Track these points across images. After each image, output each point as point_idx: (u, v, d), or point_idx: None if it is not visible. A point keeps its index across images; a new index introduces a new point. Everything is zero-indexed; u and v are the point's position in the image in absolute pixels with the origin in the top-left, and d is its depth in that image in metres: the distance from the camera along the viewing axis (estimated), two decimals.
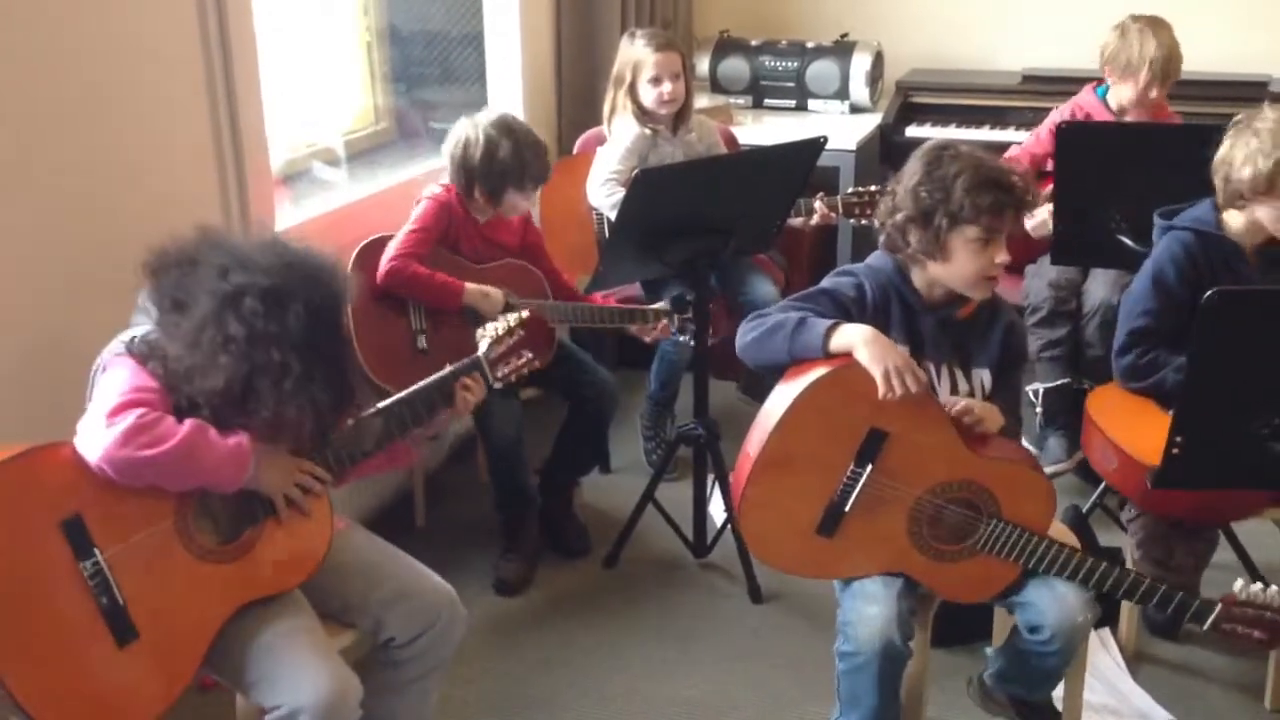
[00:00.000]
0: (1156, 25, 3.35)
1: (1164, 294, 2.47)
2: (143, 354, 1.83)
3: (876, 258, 2.24)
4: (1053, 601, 2.07)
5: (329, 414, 1.87)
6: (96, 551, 1.75)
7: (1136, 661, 2.70)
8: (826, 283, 2.23)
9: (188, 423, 1.78)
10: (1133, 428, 2.34)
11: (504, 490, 3.08)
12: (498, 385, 2.13)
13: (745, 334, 2.15)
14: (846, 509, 2.10)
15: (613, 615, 2.93)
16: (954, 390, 2.20)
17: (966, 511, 2.11)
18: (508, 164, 2.90)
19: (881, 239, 2.23)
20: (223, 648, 1.86)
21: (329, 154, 3.51)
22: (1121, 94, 3.40)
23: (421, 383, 2.06)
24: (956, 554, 2.13)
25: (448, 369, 2.10)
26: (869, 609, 2.06)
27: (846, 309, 2.17)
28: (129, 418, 1.73)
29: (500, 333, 2.14)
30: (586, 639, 2.84)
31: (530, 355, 2.16)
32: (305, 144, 3.42)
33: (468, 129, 2.96)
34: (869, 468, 2.08)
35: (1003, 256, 2.12)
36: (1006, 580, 2.13)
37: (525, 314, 2.18)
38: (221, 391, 1.79)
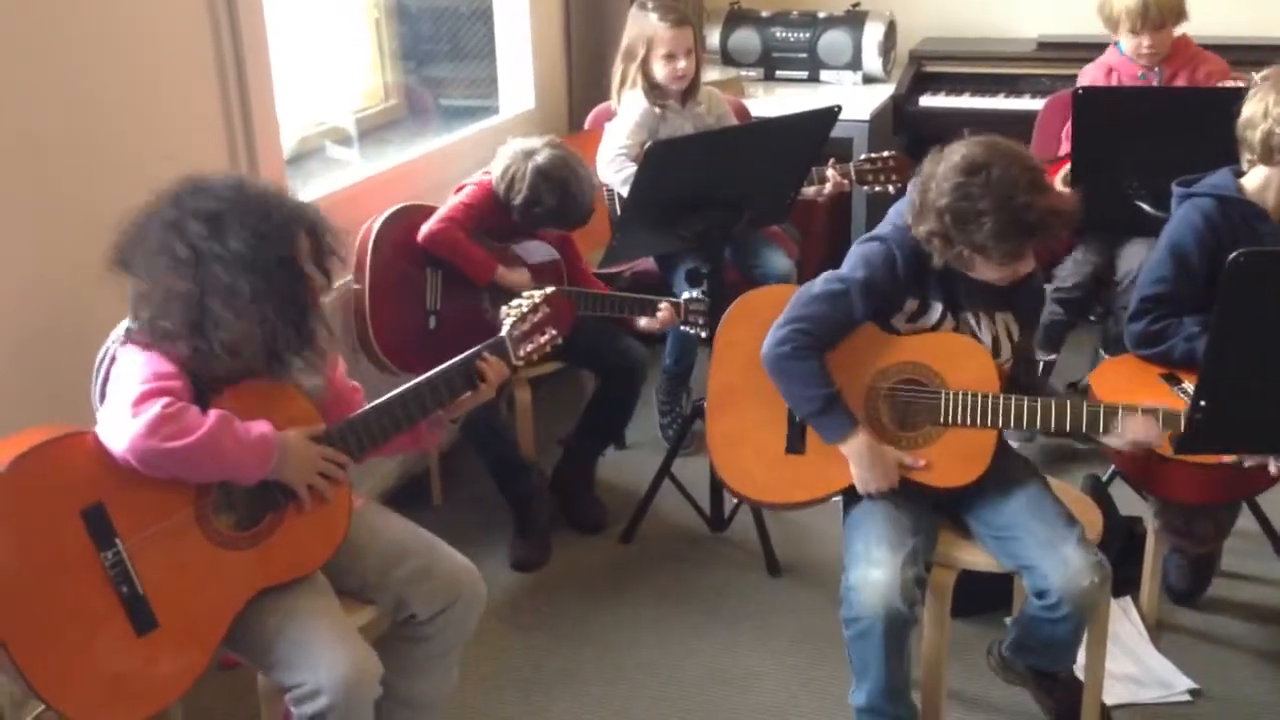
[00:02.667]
0: None
1: (1180, 262, 2.45)
2: (140, 334, 1.83)
3: (900, 212, 2.21)
4: (1058, 564, 2.05)
5: (285, 342, 1.85)
6: (117, 541, 1.75)
7: (1158, 630, 2.69)
8: (861, 269, 2.18)
9: (213, 414, 1.77)
10: (1137, 400, 2.32)
11: (494, 470, 3.07)
12: (520, 364, 2.11)
13: (778, 359, 2.17)
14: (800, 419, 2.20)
15: (631, 590, 2.93)
16: (995, 338, 2.21)
17: (917, 390, 2.16)
18: (547, 214, 2.92)
19: (909, 204, 2.19)
20: (243, 627, 1.86)
21: (340, 133, 3.50)
22: (1126, 47, 3.38)
23: (445, 364, 2.04)
24: (927, 438, 2.18)
25: (472, 350, 2.08)
26: (872, 574, 2.06)
27: (883, 294, 2.18)
28: (154, 407, 1.72)
29: (525, 310, 2.13)
30: (605, 614, 2.84)
31: (554, 332, 2.15)
32: (316, 123, 3.41)
33: (517, 164, 2.91)
34: None
35: (1027, 267, 2.13)
36: (988, 450, 2.15)
37: (550, 289, 2.17)
38: (180, 317, 1.79)
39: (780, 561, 2.97)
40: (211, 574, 1.83)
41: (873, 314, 2.18)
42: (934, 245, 2.12)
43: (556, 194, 2.88)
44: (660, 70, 3.33)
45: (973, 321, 2.21)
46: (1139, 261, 3.16)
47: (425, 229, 2.90)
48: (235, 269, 1.78)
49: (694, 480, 3.13)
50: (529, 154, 2.91)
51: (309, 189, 3.08)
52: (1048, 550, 2.08)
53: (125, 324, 1.87)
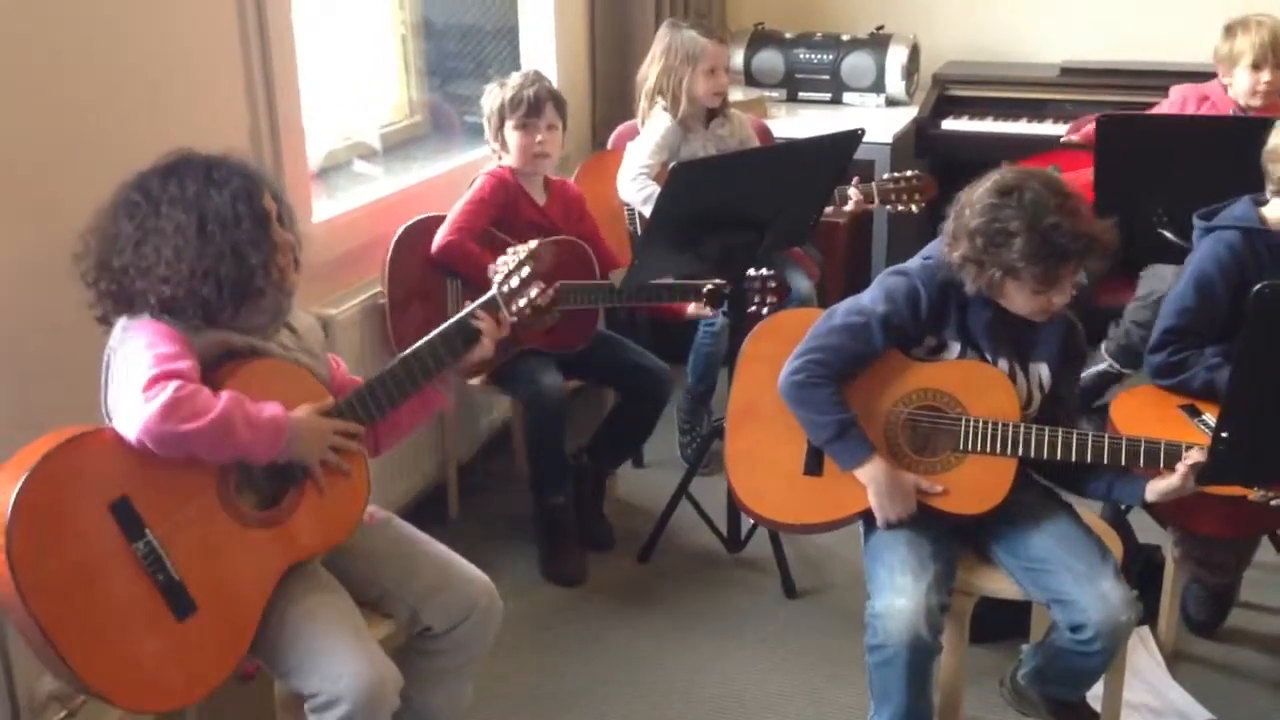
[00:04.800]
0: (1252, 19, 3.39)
1: (1204, 295, 2.45)
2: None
3: (933, 249, 2.22)
4: (1096, 599, 2.04)
5: (233, 287, 1.85)
6: (147, 531, 1.77)
7: (1176, 660, 2.68)
8: (882, 303, 2.18)
9: (225, 395, 1.79)
10: (1155, 431, 2.31)
11: (536, 459, 3.04)
12: (514, 319, 2.10)
13: (793, 387, 2.18)
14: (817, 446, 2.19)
15: (647, 609, 2.93)
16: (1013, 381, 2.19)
17: (937, 417, 2.16)
18: (506, 99, 3.00)
19: (943, 236, 2.19)
20: (265, 630, 1.87)
21: (366, 148, 3.52)
22: (1241, 85, 3.39)
23: (441, 326, 2.06)
24: (945, 464, 2.17)
25: (465, 309, 2.09)
26: (897, 601, 2.06)
27: (903, 330, 2.19)
28: (167, 390, 1.73)
29: (512, 265, 2.11)
30: (621, 633, 2.84)
31: (544, 286, 2.11)
32: (343, 138, 3.43)
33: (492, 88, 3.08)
34: None
35: (1061, 299, 2.11)
36: (1007, 480, 2.14)
37: (533, 244, 2.14)
38: (133, 262, 1.82)
39: (796, 584, 2.96)
40: (242, 554, 1.85)
41: (892, 346, 2.20)
42: (967, 271, 2.12)
43: (518, 77, 3.05)
44: (702, 85, 3.36)
45: (989, 359, 2.19)
46: (1160, 283, 3.16)
47: (436, 240, 2.93)
48: (180, 209, 1.83)
49: (712, 501, 3.13)
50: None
51: (335, 203, 3.11)
52: (1085, 585, 2.06)
53: (122, 321, 1.88)
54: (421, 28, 3.80)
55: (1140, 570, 2.72)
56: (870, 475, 2.16)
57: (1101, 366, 3.48)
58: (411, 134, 3.74)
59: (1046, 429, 2.11)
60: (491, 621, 2.09)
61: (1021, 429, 2.12)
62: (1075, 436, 2.10)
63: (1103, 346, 3.48)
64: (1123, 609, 2.05)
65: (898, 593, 2.07)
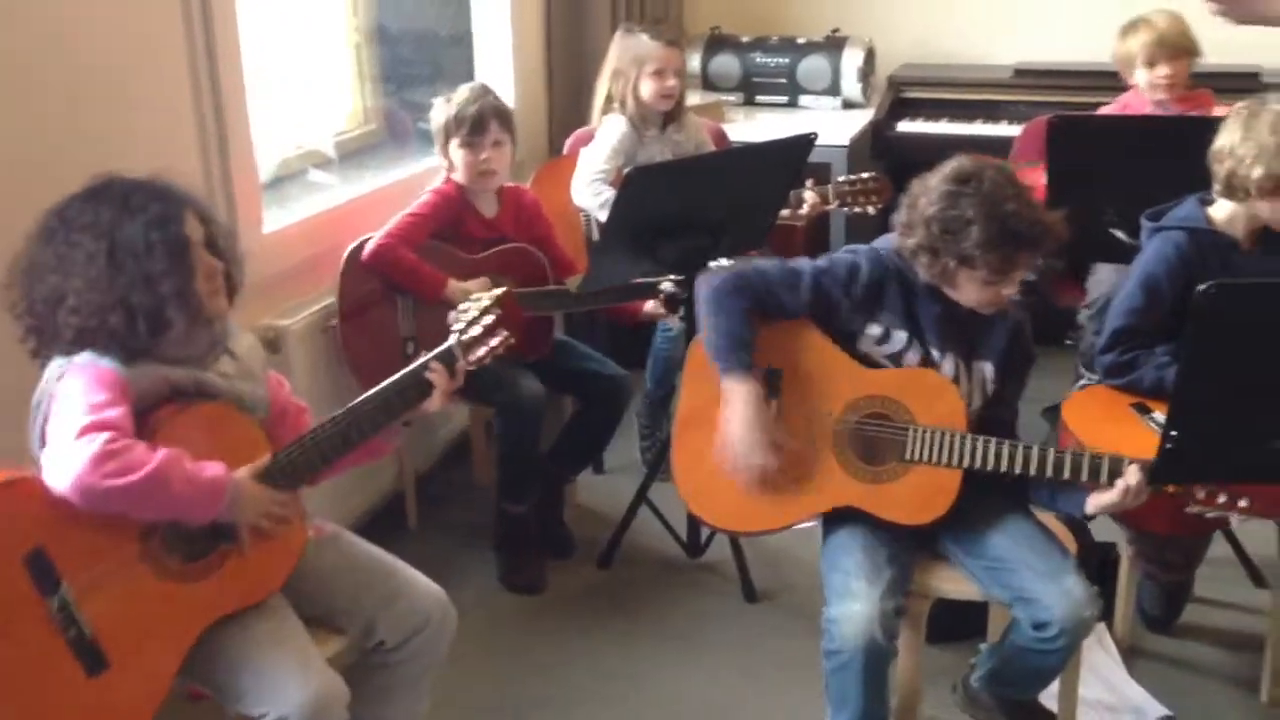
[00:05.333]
0: (1142, 19, 3.44)
1: (1152, 295, 2.47)
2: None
3: (887, 240, 2.23)
4: (1060, 596, 2.05)
5: (146, 317, 1.79)
6: (62, 585, 1.71)
7: (1131, 656, 2.70)
8: (824, 260, 2.24)
9: (161, 451, 1.73)
10: (1108, 435, 2.34)
11: (517, 471, 3.01)
12: (472, 368, 2.07)
13: (712, 291, 2.20)
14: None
15: (608, 616, 2.92)
16: (956, 379, 2.20)
17: (884, 425, 2.15)
18: (449, 115, 2.98)
19: (896, 226, 2.20)
20: (204, 658, 1.85)
21: (320, 156, 3.50)
22: (1142, 82, 3.44)
23: (394, 376, 2.01)
24: (892, 473, 2.16)
25: (419, 360, 2.04)
26: (852, 607, 2.06)
27: (830, 296, 2.19)
28: (97, 442, 1.67)
29: (475, 314, 2.07)
30: (582, 640, 2.83)
31: (506, 334, 2.08)
32: (296, 147, 3.40)
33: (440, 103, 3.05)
34: (775, 404, 2.17)
35: (1010, 290, 2.12)
36: (951, 490, 2.14)
37: (499, 292, 2.11)
38: (50, 292, 1.78)
39: (757, 588, 2.97)
40: (161, 609, 1.80)
41: (815, 308, 2.19)
42: (921, 260, 2.13)
43: (464, 93, 3.01)
44: (648, 88, 3.35)
45: (939, 359, 2.20)
46: (1109, 285, 3.19)
47: (369, 247, 2.89)
48: (95, 234, 1.78)
49: (671, 506, 3.11)
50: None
51: (288, 212, 3.08)
52: (1049, 582, 2.07)
53: (58, 361, 1.83)
54: (375, 34, 3.78)
55: (1096, 568, 2.73)
56: (738, 393, 2.13)
57: (1081, 382, 3.46)
58: (366, 142, 3.71)
59: (993, 441, 2.11)
60: (445, 633, 2.08)
61: (968, 440, 2.12)
62: (1020, 450, 2.09)
63: (1080, 367, 3.48)
64: (1086, 605, 2.06)
65: (852, 598, 2.07)
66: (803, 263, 2.24)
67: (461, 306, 2.08)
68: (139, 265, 1.79)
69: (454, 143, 3.00)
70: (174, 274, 1.81)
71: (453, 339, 2.04)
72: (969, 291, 2.14)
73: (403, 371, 2.01)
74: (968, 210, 2.06)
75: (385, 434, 2.02)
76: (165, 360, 1.84)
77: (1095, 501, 2.09)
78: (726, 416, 2.15)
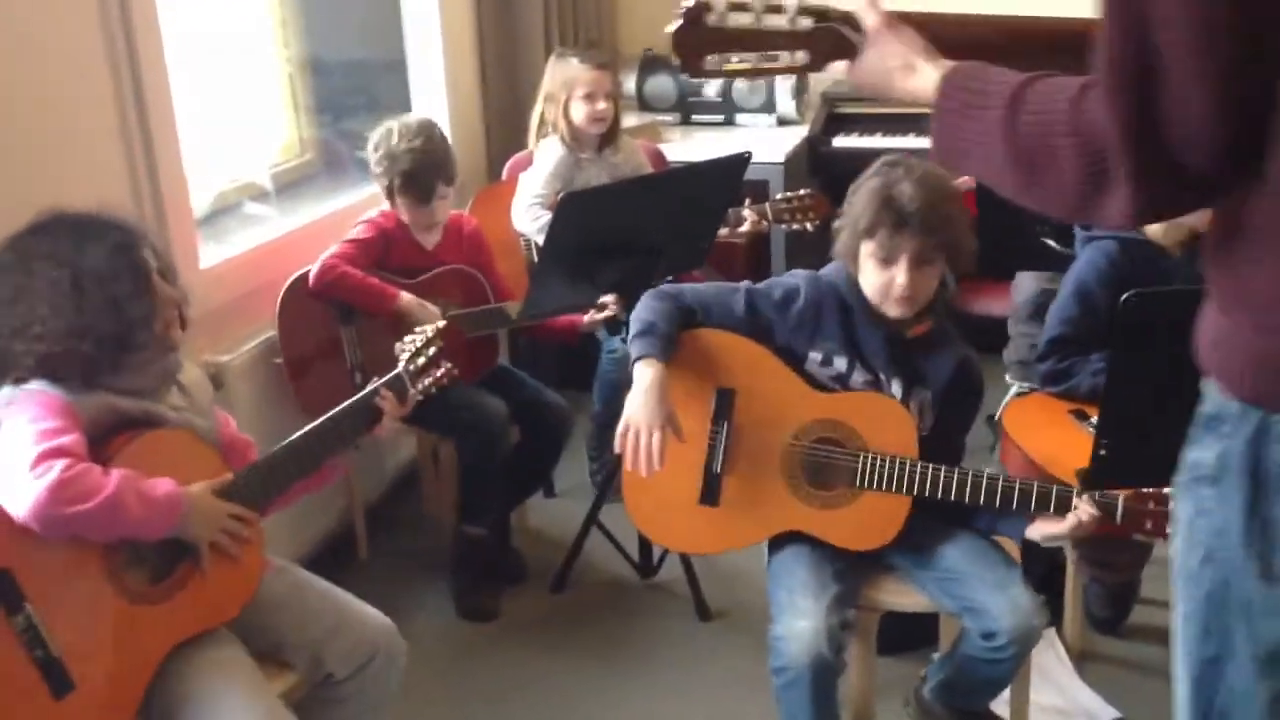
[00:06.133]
0: None
1: (1085, 304, 2.51)
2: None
3: (832, 266, 2.25)
4: (1007, 606, 2.07)
5: (114, 343, 1.80)
6: (27, 605, 1.70)
7: (1082, 660, 2.73)
8: (763, 284, 2.26)
9: (115, 474, 1.73)
10: (1048, 441, 2.37)
11: (480, 493, 2.99)
12: (420, 398, 2.10)
13: (647, 295, 2.24)
14: (718, 470, 2.18)
15: (561, 640, 2.91)
16: (904, 403, 2.21)
17: (835, 451, 2.16)
18: (405, 156, 2.92)
19: (835, 248, 2.24)
20: (158, 697, 1.82)
21: (256, 189, 3.47)
22: None
23: (343, 405, 2.03)
24: (841, 498, 2.17)
25: (368, 387, 2.07)
26: (798, 623, 2.06)
27: (765, 317, 2.21)
28: (53, 471, 1.67)
29: (420, 344, 2.11)
30: (536, 665, 2.81)
31: (450, 365, 2.12)
32: (231, 180, 3.38)
33: (380, 138, 3.00)
34: (726, 425, 2.18)
35: (902, 279, 2.12)
36: (900, 517, 2.15)
37: (442, 324, 2.15)
38: (7, 322, 1.77)
39: (710, 607, 2.97)
40: (126, 630, 1.79)
41: (752, 326, 2.21)
42: (840, 239, 2.17)
43: (409, 134, 2.93)
44: (579, 111, 3.36)
45: (885, 381, 2.21)
46: (1030, 292, 3.23)
47: (314, 270, 2.87)
48: (54, 263, 1.77)
49: (623, 527, 3.10)
50: (390, 124, 3.00)
51: (225, 247, 3.06)
52: (997, 593, 2.09)
53: (6, 390, 1.82)
54: (309, 64, 3.76)
55: (1042, 573, 2.76)
56: (642, 374, 2.11)
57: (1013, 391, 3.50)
58: (303, 172, 3.69)
59: (943, 469, 2.12)
60: (395, 664, 2.06)
61: (919, 468, 2.13)
62: (970, 477, 2.11)
63: (1007, 376, 3.51)
64: (1033, 614, 2.09)
65: (798, 614, 2.08)
66: (741, 284, 2.26)
67: (408, 338, 2.11)
68: (105, 290, 1.78)
69: (400, 200, 2.97)
70: (140, 298, 1.81)
71: (401, 367, 2.08)
72: (867, 275, 2.15)
73: (355, 397, 2.04)
74: (874, 180, 2.12)
75: (335, 459, 2.03)
76: (116, 391, 1.83)
77: (1041, 531, 2.12)
78: (630, 405, 2.10)
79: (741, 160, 2.91)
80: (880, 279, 2.14)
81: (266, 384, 2.92)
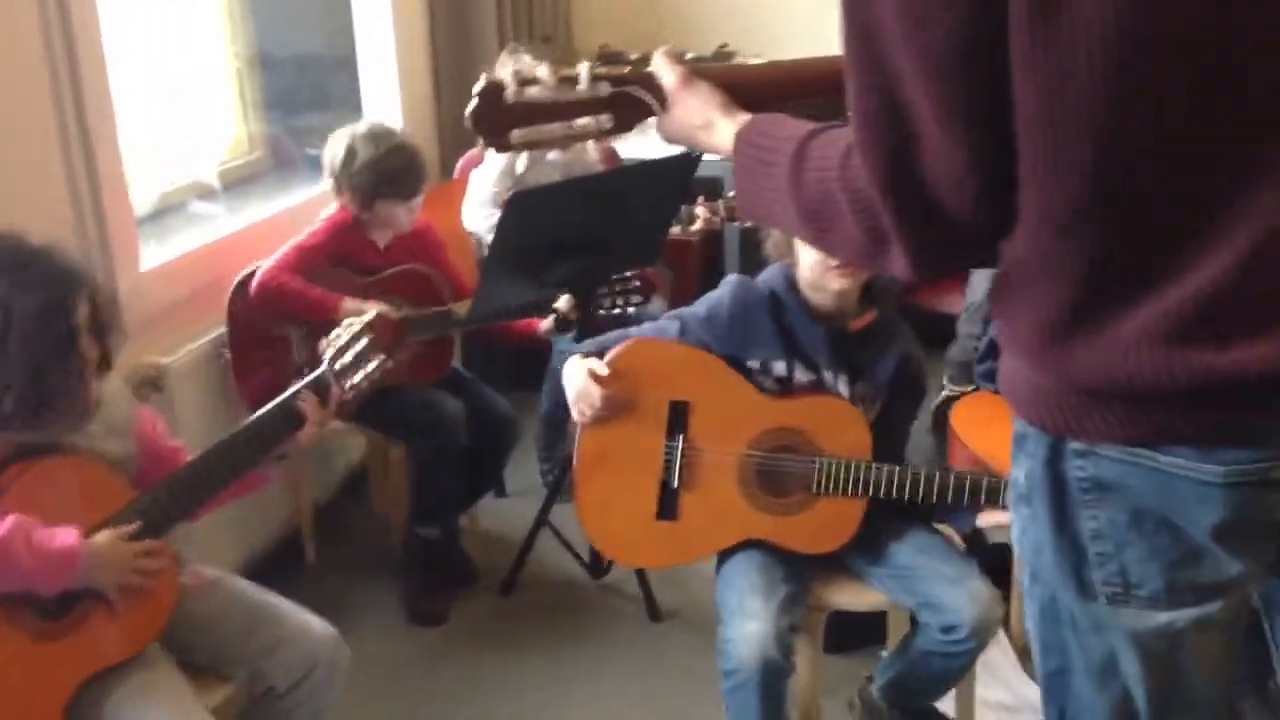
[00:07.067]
0: None
1: None
2: None
3: (768, 270, 2.25)
4: (967, 599, 2.09)
5: (28, 403, 1.73)
6: None
7: (1028, 655, 2.74)
8: (689, 308, 2.27)
9: (7, 522, 1.67)
10: (995, 439, 2.38)
11: (436, 495, 2.97)
12: (350, 395, 2.03)
13: (592, 341, 2.30)
14: (675, 485, 2.18)
15: (512, 643, 2.89)
16: (851, 399, 2.21)
17: (790, 457, 2.15)
18: (368, 174, 2.87)
19: (768, 245, 2.24)
20: (77, 715, 1.78)
21: (203, 187, 3.43)
22: None
23: (263, 409, 1.96)
24: (799, 505, 2.18)
25: (290, 390, 1.99)
26: (748, 625, 2.06)
27: (686, 331, 2.23)
28: None
29: (346, 340, 2.02)
30: (487, 669, 2.79)
31: (384, 358, 2.03)
32: (176, 179, 3.33)
33: (336, 140, 2.93)
34: (680, 439, 2.17)
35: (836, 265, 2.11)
36: (855, 519, 2.16)
37: (370, 315, 2.06)
38: None
39: (661, 606, 2.96)
40: (32, 669, 1.74)
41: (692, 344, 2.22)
42: (767, 235, 2.19)
43: (373, 148, 2.86)
44: None
45: (832, 380, 2.21)
46: (983, 289, 3.25)
47: (254, 281, 2.83)
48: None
49: (574, 527, 3.08)
50: (348, 130, 2.93)
51: (169, 247, 3.01)
52: (956, 587, 2.11)
53: None
54: (258, 60, 3.72)
55: (990, 569, 2.77)
56: (573, 377, 2.18)
57: (944, 394, 3.52)
58: (252, 170, 3.65)
59: (897, 469, 2.13)
60: (337, 674, 2.04)
61: (874, 470, 2.14)
62: (923, 476, 2.12)
63: (945, 378, 3.53)
64: (993, 606, 2.11)
65: (747, 616, 2.08)
66: (672, 318, 2.26)
67: (334, 333, 2.03)
68: (28, 350, 1.71)
69: (381, 203, 2.92)
70: (63, 361, 1.75)
71: (324, 366, 2.00)
72: (803, 254, 2.15)
73: (272, 403, 1.96)
74: None
75: (260, 467, 1.97)
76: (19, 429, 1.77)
77: (988, 518, 2.14)
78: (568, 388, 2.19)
79: (691, 159, 2.90)
80: (813, 259, 2.13)
81: (211, 385, 2.89)
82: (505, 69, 3.52)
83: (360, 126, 2.96)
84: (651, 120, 1.42)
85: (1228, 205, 1.00)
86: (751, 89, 1.37)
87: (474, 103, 1.34)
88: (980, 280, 3.32)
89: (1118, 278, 1.04)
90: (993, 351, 2.53)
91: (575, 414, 2.20)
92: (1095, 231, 1.03)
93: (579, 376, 2.17)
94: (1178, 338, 1.02)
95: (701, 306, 2.24)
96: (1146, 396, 1.06)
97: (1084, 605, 1.18)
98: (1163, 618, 1.15)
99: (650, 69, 1.39)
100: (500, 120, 1.35)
